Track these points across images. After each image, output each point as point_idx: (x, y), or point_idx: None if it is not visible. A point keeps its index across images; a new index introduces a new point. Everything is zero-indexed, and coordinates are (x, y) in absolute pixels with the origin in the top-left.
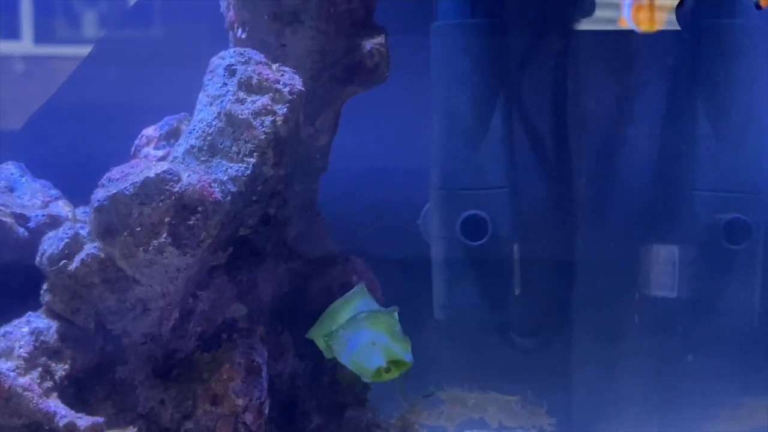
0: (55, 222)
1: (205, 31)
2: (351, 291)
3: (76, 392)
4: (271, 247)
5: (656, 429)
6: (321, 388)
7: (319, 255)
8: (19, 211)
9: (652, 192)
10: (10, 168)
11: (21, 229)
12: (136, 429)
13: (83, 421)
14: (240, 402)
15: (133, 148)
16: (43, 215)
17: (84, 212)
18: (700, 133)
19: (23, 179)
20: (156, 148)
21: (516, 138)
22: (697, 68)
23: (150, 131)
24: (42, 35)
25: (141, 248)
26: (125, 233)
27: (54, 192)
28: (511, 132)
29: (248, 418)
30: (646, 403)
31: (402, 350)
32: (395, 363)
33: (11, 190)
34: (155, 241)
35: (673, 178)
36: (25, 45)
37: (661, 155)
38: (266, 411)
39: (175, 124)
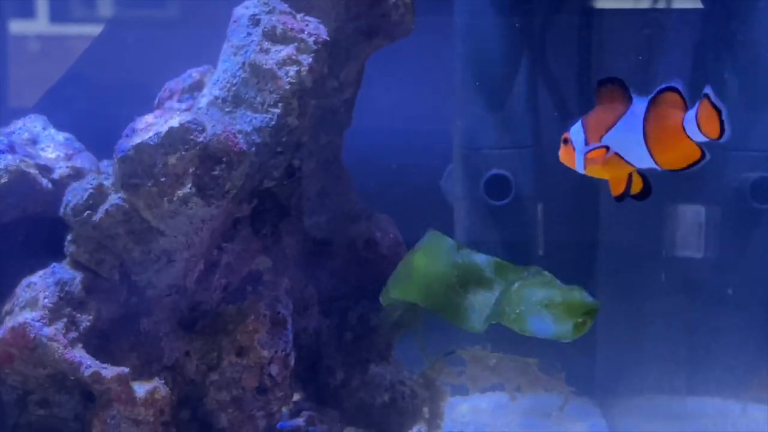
0: (78, 174)
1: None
2: (423, 239)
3: (100, 343)
4: (295, 201)
5: (684, 389)
6: (345, 343)
7: (344, 210)
8: (42, 162)
9: None
10: (34, 120)
11: (45, 181)
12: (161, 380)
13: (108, 371)
14: (265, 354)
15: (156, 101)
16: (67, 167)
17: (107, 165)
18: (726, 92)
19: (46, 132)
20: (179, 100)
21: (540, 97)
22: (723, 28)
23: (173, 84)
24: (57, 14)
25: (165, 198)
26: (150, 183)
27: (77, 145)
28: (536, 91)
29: (274, 369)
30: (672, 364)
31: (585, 297)
32: (587, 312)
33: (34, 142)
34: (180, 192)
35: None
36: (40, 24)
37: None
38: (292, 363)
39: (198, 77)
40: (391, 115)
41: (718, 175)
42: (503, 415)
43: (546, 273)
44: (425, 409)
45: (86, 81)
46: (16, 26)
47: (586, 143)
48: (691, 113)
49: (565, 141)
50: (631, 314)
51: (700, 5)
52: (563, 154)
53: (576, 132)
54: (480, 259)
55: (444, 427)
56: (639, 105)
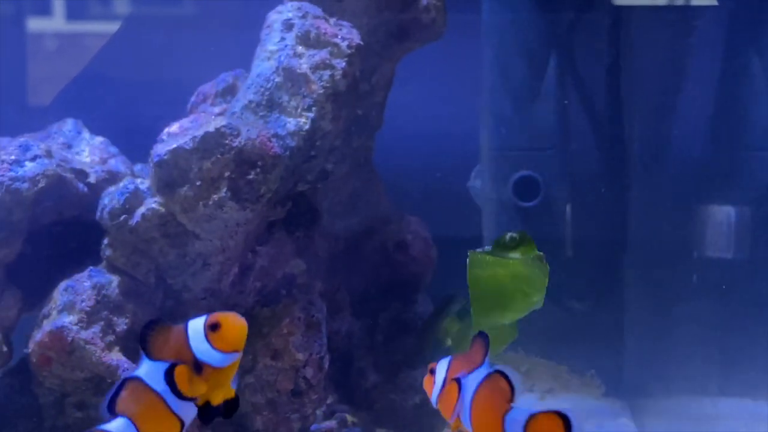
0: (113, 178)
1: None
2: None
3: (137, 347)
4: (327, 204)
5: (717, 391)
6: (376, 345)
7: (375, 212)
8: (78, 167)
9: (708, 152)
10: (69, 124)
11: (80, 185)
12: None
13: None
14: (300, 356)
15: (189, 105)
16: (102, 171)
17: (141, 169)
18: (756, 92)
19: (81, 136)
20: (212, 104)
21: (569, 99)
22: (753, 27)
23: (206, 88)
24: (74, 12)
25: (201, 202)
26: (185, 187)
27: (112, 149)
28: (564, 92)
29: (308, 372)
30: (704, 365)
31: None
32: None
33: (69, 146)
34: (215, 196)
35: (729, 138)
36: (57, 22)
37: (716, 115)
38: (326, 366)
39: (231, 81)
40: (418, 116)
41: (748, 176)
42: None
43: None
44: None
45: (102, 79)
46: (34, 24)
47: (445, 382)
48: (520, 417)
49: (431, 371)
50: (660, 315)
51: (727, 2)
52: (426, 382)
53: (441, 368)
54: None
55: None
56: (477, 374)
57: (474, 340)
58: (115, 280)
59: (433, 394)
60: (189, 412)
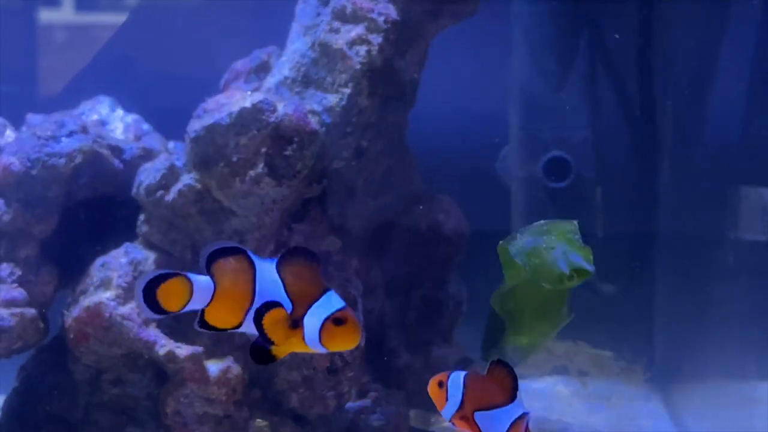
0: (149, 155)
1: None
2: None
3: (173, 324)
4: (362, 182)
5: (756, 375)
6: (408, 325)
7: (407, 191)
8: (114, 143)
9: (742, 133)
10: (103, 102)
11: (116, 161)
12: (232, 359)
13: (182, 350)
14: None
15: (222, 82)
16: (137, 148)
17: (175, 146)
18: None
19: (114, 113)
20: (246, 81)
21: (599, 78)
22: None
23: (239, 65)
24: (83, 3)
25: (237, 179)
26: (222, 164)
27: (146, 126)
28: (595, 72)
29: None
30: (741, 349)
31: (584, 259)
32: (577, 271)
33: (103, 123)
34: (251, 172)
35: (765, 118)
36: (66, 13)
37: (752, 94)
38: (362, 344)
39: (264, 58)
40: (448, 96)
41: None
42: (562, 399)
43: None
44: None
45: (111, 70)
46: (44, 16)
47: (461, 405)
48: None
49: (440, 384)
50: (693, 298)
51: None
52: (433, 391)
53: (455, 385)
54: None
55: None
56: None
57: (497, 367)
58: (151, 256)
59: (447, 411)
60: (251, 327)
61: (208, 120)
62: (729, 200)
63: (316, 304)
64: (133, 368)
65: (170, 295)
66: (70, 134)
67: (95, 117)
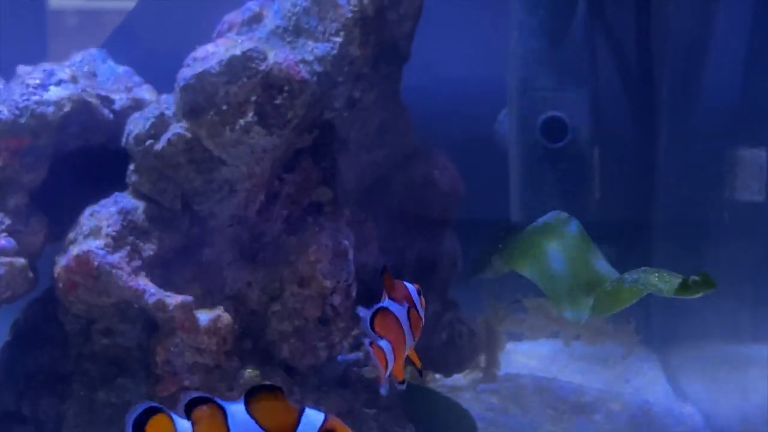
0: (139, 105)
1: None
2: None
3: (163, 273)
4: (354, 134)
5: (750, 337)
6: None
7: (402, 147)
8: (104, 93)
9: (741, 94)
10: (93, 53)
11: (106, 111)
12: (222, 309)
13: (172, 299)
14: (328, 284)
15: (215, 34)
16: (128, 98)
17: (167, 99)
18: None
19: (105, 65)
20: (238, 33)
21: (597, 39)
22: None
23: (232, 16)
24: None
25: (227, 127)
26: (211, 112)
27: (137, 78)
28: (592, 33)
29: (336, 300)
30: (736, 310)
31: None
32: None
33: (94, 74)
34: (242, 120)
35: (764, 81)
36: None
37: (750, 55)
38: (354, 294)
39: (257, 9)
40: (443, 59)
41: None
42: (558, 362)
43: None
44: (482, 357)
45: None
46: (54, 1)
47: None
48: None
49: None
50: (690, 259)
51: None
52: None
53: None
54: (602, 266)
55: (499, 375)
56: None
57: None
58: (141, 205)
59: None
60: None
61: (197, 68)
62: (726, 161)
63: (299, 429)
64: (123, 318)
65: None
66: (59, 83)
67: (86, 68)
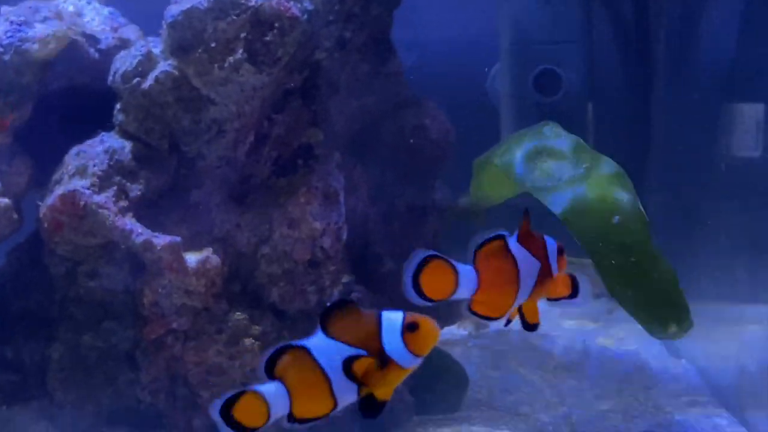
0: (125, 46)
1: None
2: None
3: (150, 215)
4: (345, 78)
5: (746, 297)
6: (392, 231)
7: (392, 94)
8: (89, 32)
9: (737, 50)
10: None
11: (92, 50)
12: (211, 251)
13: (160, 239)
14: (317, 226)
15: None
16: (114, 38)
17: (153, 40)
18: None
19: (91, 5)
20: None
21: None
22: None
23: None
24: None
25: (216, 65)
26: (200, 49)
27: (122, 19)
28: None
29: (326, 242)
30: (732, 271)
31: None
32: None
33: (80, 15)
34: (231, 58)
35: (760, 36)
36: None
37: (747, 8)
38: (344, 236)
39: None
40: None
41: None
42: (550, 319)
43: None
44: None
45: None
46: None
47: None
48: None
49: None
50: (685, 217)
51: None
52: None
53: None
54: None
55: (490, 329)
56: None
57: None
58: (128, 145)
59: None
60: (347, 397)
61: (185, 4)
62: (722, 116)
63: (382, 332)
64: (110, 261)
65: (248, 413)
66: (44, 20)
67: (71, 8)
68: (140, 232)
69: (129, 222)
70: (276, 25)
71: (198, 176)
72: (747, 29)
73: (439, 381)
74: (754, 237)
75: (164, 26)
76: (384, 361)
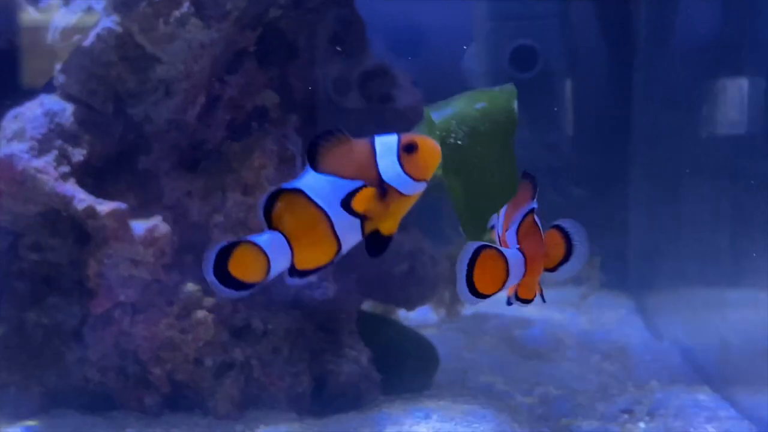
0: (68, 4)
1: None
2: None
3: (95, 182)
4: (304, 41)
5: (727, 281)
6: None
7: (358, 62)
8: None
9: (721, 22)
10: None
11: (31, 9)
12: (161, 218)
13: (104, 206)
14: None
15: None
16: None
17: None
18: None
19: None
20: None
21: None
22: None
23: None
24: None
25: (161, 20)
26: (144, 4)
27: None
28: None
29: None
30: (715, 245)
31: None
32: None
33: None
34: (177, 12)
35: (743, 9)
36: None
37: None
38: None
39: None
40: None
41: (764, 47)
42: (532, 305)
43: None
44: (446, 294)
45: None
46: None
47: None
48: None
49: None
50: (667, 199)
51: None
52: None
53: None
54: None
55: (465, 314)
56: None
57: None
58: (69, 108)
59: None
60: (351, 237)
61: None
62: (706, 93)
63: (377, 157)
64: (53, 232)
65: (245, 267)
66: None
67: None
68: (82, 198)
69: (70, 187)
70: None
71: (146, 141)
72: (727, 5)
73: (408, 359)
74: (733, 222)
75: None
76: (383, 190)
